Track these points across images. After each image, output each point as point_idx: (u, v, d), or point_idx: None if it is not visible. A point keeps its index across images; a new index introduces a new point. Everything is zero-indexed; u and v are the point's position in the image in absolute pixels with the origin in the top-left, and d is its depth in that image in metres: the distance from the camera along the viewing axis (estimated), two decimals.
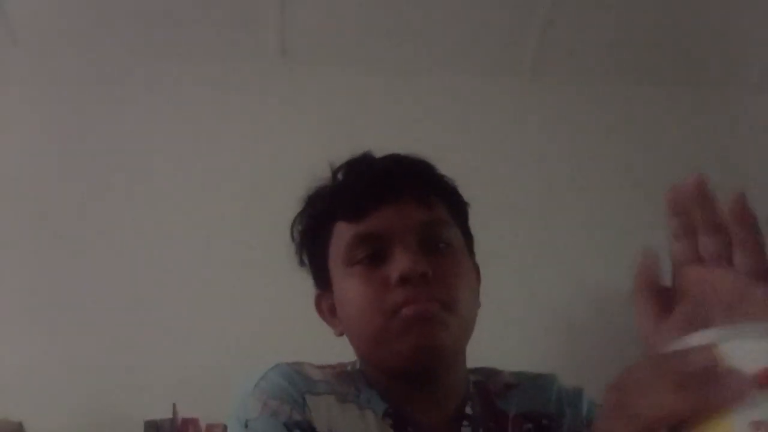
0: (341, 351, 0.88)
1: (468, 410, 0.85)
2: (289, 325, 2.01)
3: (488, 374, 0.92)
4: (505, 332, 2.23)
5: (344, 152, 0.90)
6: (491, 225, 2.47)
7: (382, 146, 0.90)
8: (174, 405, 2.00)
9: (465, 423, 0.84)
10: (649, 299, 0.46)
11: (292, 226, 0.91)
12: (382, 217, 0.83)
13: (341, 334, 0.87)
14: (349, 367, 0.88)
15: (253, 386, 0.81)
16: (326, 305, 0.89)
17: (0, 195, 2.29)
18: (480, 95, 2.63)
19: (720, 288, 0.44)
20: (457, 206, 0.90)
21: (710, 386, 0.35)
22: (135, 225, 2.32)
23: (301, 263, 0.91)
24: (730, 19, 2.56)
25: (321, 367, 0.86)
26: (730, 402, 0.35)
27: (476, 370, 0.91)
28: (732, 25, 2.58)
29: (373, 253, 0.82)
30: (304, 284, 0.93)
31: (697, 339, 0.38)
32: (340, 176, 0.89)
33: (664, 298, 0.46)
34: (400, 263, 0.79)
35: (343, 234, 0.84)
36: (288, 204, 0.93)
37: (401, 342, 0.79)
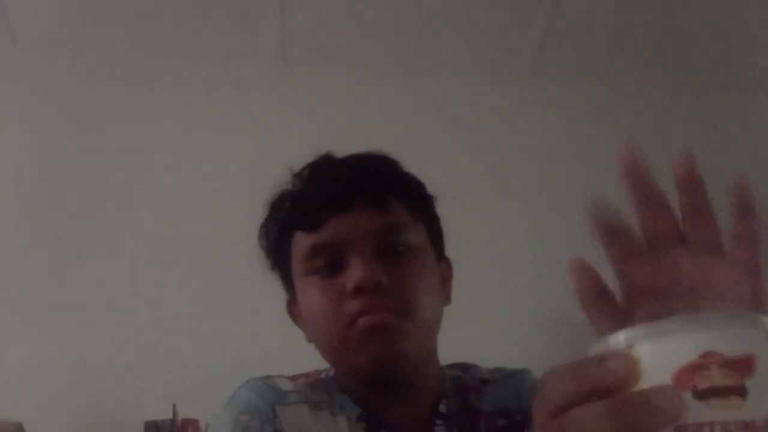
0: None
1: (442, 408, 0.84)
2: (289, 326, 2.00)
3: (466, 369, 0.91)
4: (503, 331, 2.23)
5: (344, 154, 0.89)
6: (490, 223, 2.48)
7: (382, 147, 0.90)
8: (174, 405, 2.00)
9: (439, 422, 0.83)
10: (598, 302, 0.45)
11: (259, 234, 0.91)
12: (338, 226, 0.82)
13: (311, 341, 0.87)
14: (323, 374, 0.88)
15: (225, 404, 0.82)
16: (297, 311, 0.89)
17: (1, 194, 2.29)
18: (480, 95, 2.63)
19: (677, 275, 0.43)
20: (418, 204, 0.88)
21: (632, 412, 0.35)
22: (135, 226, 2.32)
23: (271, 268, 0.91)
24: (730, 18, 2.56)
25: (294, 378, 0.87)
26: (657, 424, 0.35)
27: (454, 366, 0.91)
28: (733, 24, 2.58)
29: (330, 263, 0.81)
30: None
31: (616, 340, 0.38)
32: (297, 182, 0.88)
33: (611, 299, 0.45)
34: (354, 273, 0.79)
35: (300, 244, 0.84)
36: None
37: (360, 353, 0.78)
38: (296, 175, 0.89)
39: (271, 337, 2.04)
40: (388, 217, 0.83)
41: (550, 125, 2.63)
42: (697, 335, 0.36)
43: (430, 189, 0.91)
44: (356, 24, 2.49)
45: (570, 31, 2.54)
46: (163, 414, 2.01)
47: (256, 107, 2.50)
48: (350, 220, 0.82)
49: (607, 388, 0.36)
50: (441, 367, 0.89)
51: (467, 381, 0.89)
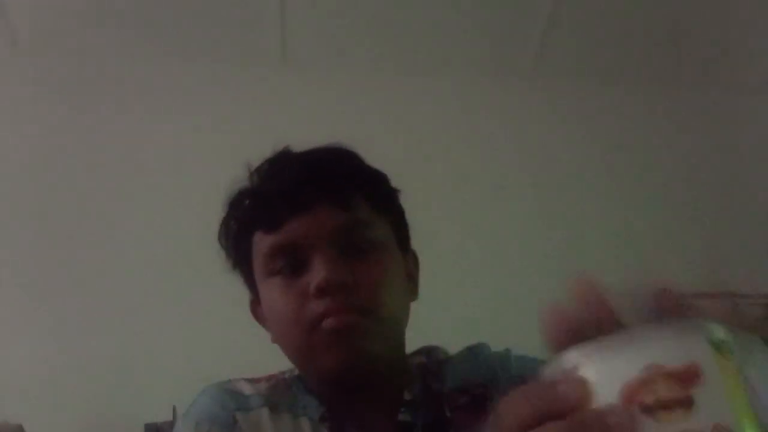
0: None
1: (407, 396, 0.83)
2: None
3: (428, 353, 0.90)
4: (503, 334, 2.23)
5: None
6: (492, 224, 2.48)
7: (383, 149, 0.89)
8: (174, 408, 2.00)
9: (402, 409, 0.82)
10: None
11: (219, 233, 0.89)
12: (298, 226, 0.79)
13: (275, 342, 0.85)
14: (287, 374, 0.86)
15: (184, 414, 0.81)
16: (260, 312, 0.87)
17: (1, 198, 2.29)
18: (482, 96, 2.63)
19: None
20: (381, 199, 0.85)
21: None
22: (136, 228, 2.32)
23: (233, 269, 0.89)
24: (731, 20, 2.56)
25: (256, 380, 0.85)
26: None
27: (419, 351, 0.90)
28: (734, 26, 2.58)
29: (292, 263, 0.79)
30: None
31: (566, 359, 0.38)
32: (256, 179, 0.86)
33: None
34: (317, 274, 0.76)
35: (260, 244, 0.82)
36: None
37: (325, 356, 0.76)
38: (254, 172, 0.86)
39: (271, 344, 2.04)
40: (350, 214, 0.81)
41: (551, 126, 2.63)
42: (640, 349, 0.36)
43: (394, 182, 0.88)
44: (356, 25, 2.49)
45: (571, 33, 2.54)
46: (163, 416, 2.00)
47: (256, 109, 2.50)
48: (311, 219, 0.79)
49: (560, 411, 0.37)
50: (406, 357, 0.87)
51: (429, 365, 0.88)
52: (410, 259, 0.89)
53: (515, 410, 0.38)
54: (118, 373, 2.14)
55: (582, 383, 0.36)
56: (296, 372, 0.86)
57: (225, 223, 0.88)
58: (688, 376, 0.35)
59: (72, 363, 2.14)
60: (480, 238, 2.30)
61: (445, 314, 1.83)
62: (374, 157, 0.87)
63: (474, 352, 0.90)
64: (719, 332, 0.36)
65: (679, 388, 0.35)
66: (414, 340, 0.88)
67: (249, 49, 2.51)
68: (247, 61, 2.52)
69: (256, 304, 0.88)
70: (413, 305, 0.86)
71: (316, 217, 0.79)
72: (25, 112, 2.41)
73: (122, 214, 2.33)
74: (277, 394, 0.83)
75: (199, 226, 2.35)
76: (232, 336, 2.19)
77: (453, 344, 0.92)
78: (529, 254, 2.43)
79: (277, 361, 0.90)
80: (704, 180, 2.62)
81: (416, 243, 0.91)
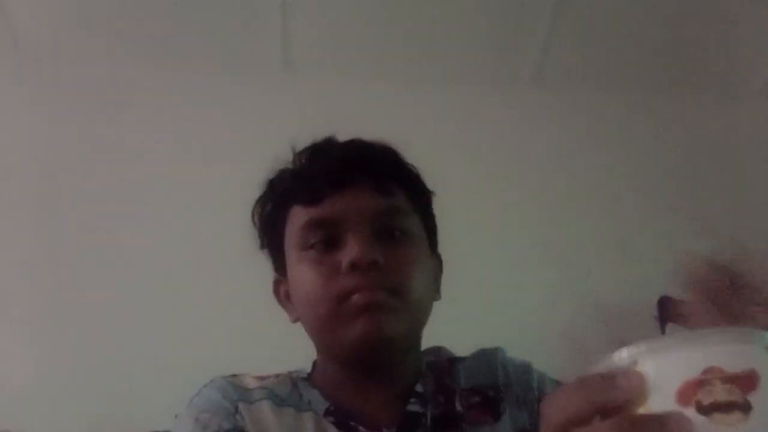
0: None
1: (418, 388, 0.84)
2: (294, 335, 2.00)
3: (437, 352, 0.92)
4: (504, 341, 2.22)
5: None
6: (492, 234, 2.48)
7: None
8: (176, 417, 1.99)
9: (413, 399, 0.83)
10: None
11: (253, 210, 0.91)
12: (338, 203, 0.82)
13: (296, 321, 0.87)
14: (294, 374, 0.88)
15: (188, 403, 0.83)
16: (283, 290, 0.89)
17: (1, 202, 2.29)
18: (484, 105, 2.63)
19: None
20: (418, 195, 0.89)
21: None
22: (138, 234, 2.32)
23: (261, 246, 0.91)
24: (733, 27, 2.56)
25: (262, 377, 0.86)
26: None
27: (427, 351, 0.91)
28: (735, 33, 2.58)
29: (326, 239, 0.82)
30: None
31: (620, 357, 0.39)
32: (300, 160, 0.89)
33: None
34: (351, 250, 0.79)
35: (298, 218, 0.84)
36: None
37: (349, 330, 0.78)
38: (298, 154, 0.89)
39: (276, 348, 2.03)
40: (388, 200, 0.84)
41: (552, 135, 2.63)
42: (700, 351, 0.37)
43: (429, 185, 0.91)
44: (358, 33, 2.50)
45: (572, 41, 2.55)
46: (165, 425, 2.00)
47: (257, 115, 2.50)
48: (351, 198, 0.82)
49: (615, 405, 0.37)
50: (420, 354, 0.89)
51: (440, 362, 0.90)
52: (436, 261, 0.91)
53: (566, 403, 0.38)
54: (122, 381, 2.14)
55: (641, 377, 0.37)
56: (303, 372, 0.88)
57: (261, 199, 0.91)
58: (746, 382, 0.36)
59: (76, 372, 2.14)
60: (480, 245, 2.29)
61: (448, 321, 1.82)
62: None
63: (489, 354, 0.91)
64: None
65: (738, 393, 0.35)
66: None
67: (250, 57, 2.52)
68: (248, 69, 2.53)
69: (279, 283, 0.90)
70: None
71: (356, 197, 0.82)
72: (26, 116, 2.41)
73: (124, 222, 2.33)
74: (282, 389, 0.84)
75: (201, 232, 2.37)
76: (235, 343, 2.19)
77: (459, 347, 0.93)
78: (530, 261, 2.43)
79: (278, 369, 0.90)
80: (708, 186, 2.61)
81: None
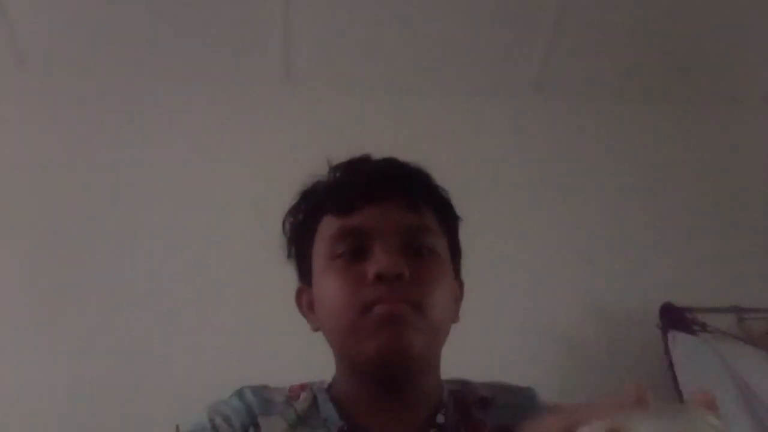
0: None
1: (440, 419, 0.84)
2: (293, 346, 2.00)
3: (464, 384, 0.91)
4: (508, 348, 2.22)
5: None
6: (494, 241, 2.47)
7: None
8: (177, 426, 1.99)
9: (432, 430, 0.83)
10: None
11: (285, 219, 0.92)
12: (369, 215, 0.84)
13: (317, 330, 0.87)
14: (316, 386, 0.88)
15: (207, 406, 0.84)
16: (306, 299, 0.90)
17: (5, 215, 2.30)
18: (485, 115, 2.63)
19: None
20: (447, 217, 0.91)
21: None
22: (139, 247, 2.32)
23: (289, 255, 0.92)
24: (735, 37, 2.56)
25: (291, 389, 0.87)
26: None
27: (451, 381, 0.91)
28: (737, 43, 2.59)
29: (354, 249, 0.83)
30: None
31: (599, 426, 0.48)
32: (335, 174, 0.90)
33: None
34: (378, 261, 0.80)
35: (328, 227, 0.86)
36: None
37: (371, 340, 0.79)
38: (333, 168, 0.91)
39: (275, 359, 2.03)
40: (418, 217, 0.86)
41: (553, 144, 2.63)
42: (658, 424, 0.47)
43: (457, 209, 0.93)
44: (360, 44, 2.51)
45: (573, 50, 2.55)
46: None
47: (260, 127, 2.51)
48: (382, 211, 0.84)
49: None
50: (440, 380, 0.89)
51: (466, 395, 0.89)
52: (458, 285, 0.92)
53: None
54: (121, 392, 2.12)
55: None
56: (325, 383, 0.88)
57: (293, 210, 0.92)
58: None
59: (74, 383, 2.13)
60: (478, 251, 2.28)
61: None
62: None
63: (521, 397, 0.91)
64: (714, 419, 0.48)
65: None
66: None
67: (252, 68, 2.53)
68: (250, 80, 2.54)
69: (302, 292, 0.91)
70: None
71: (387, 211, 0.84)
72: (32, 131, 2.42)
73: (126, 235, 2.33)
74: (303, 405, 0.85)
75: (204, 245, 2.37)
76: (237, 356, 2.19)
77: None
78: (531, 270, 2.43)
79: (280, 382, 0.90)
80: (710, 195, 2.61)
81: None
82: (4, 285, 2.23)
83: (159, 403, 2.09)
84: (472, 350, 0.93)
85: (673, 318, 2.27)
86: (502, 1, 2.41)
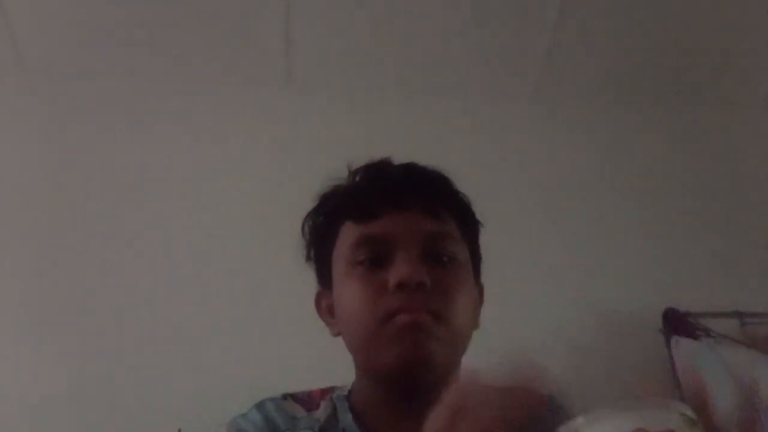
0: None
1: None
2: (299, 354, 2.00)
3: None
4: (510, 352, 2.21)
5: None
6: (495, 245, 2.47)
7: None
8: (179, 430, 1.99)
9: None
10: None
11: (304, 222, 0.92)
12: (390, 222, 0.83)
13: (337, 335, 0.87)
14: (336, 393, 0.88)
15: (230, 421, 0.83)
16: (326, 304, 0.89)
17: (7, 220, 2.30)
18: (486, 119, 2.63)
19: None
20: (468, 224, 0.91)
21: None
22: (141, 251, 2.32)
23: (308, 258, 0.92)
24: (734, 41, 2.56)
25: (310, 395, 0.86)
26: None
27: None
28: (737, 47, 2.59)
29: (375, 256, 0.82)
30: (317, 322, 0.92)
31: (571, 425, 0.49)
32: (356, 178, 0.90)
33: None
34: (399, 269, 0.79)
35: (349, 234, 0.85)
36: (293, 230, 0.93)
37: (391, 349, 0.78)
38: (353, 172, 0.90)
39: (279, 364, 2.03)
40: (440, 225, 0.85)
41: (553, 149, 2.63)
42: (628, 416, 0.46)
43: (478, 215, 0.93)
44: (361, 49, 2.51)
45: (573, 55, 2.55)
46: None
47: (260, 132, 2.51)
48: (404, 219, 0.83)
49: None
50: None
51: None
52: (478, 290, 0.93)
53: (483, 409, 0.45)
54: (123, 397, 2.12)
55: None
56: (345, 390, 0.88)
57: (313, 213, 0.91)
58: None
59: (76, 388, 2.12)
60: (482, 256, 2.28)
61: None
62: None
63: (556, 410, 0.90)
64: (689, 410, 0.48)
65: None
66: None
67: (253, 72, 2.53)
68: (251, 84, 2.54)
69: (321, 296, 0.91)
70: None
71: (408, 218, 0.84)
72: (32, 135, 2.42)
73: (128, 239, 2.33)
74: (322, 415, 0.84)
75: (206, 250, 2.36)
76: (240, 361, 2.19)
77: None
78: (532, 274, 2.42)
79: (284, 389, 0.89)
80: (711, 199, 2.61)
81: None
82: (4, 287, 2.22)
83: (161, 407, 2.09)
84: (473, 353, 0.91)
85: (676, 323, 2.26)
86: (502, 6, 2.42)
